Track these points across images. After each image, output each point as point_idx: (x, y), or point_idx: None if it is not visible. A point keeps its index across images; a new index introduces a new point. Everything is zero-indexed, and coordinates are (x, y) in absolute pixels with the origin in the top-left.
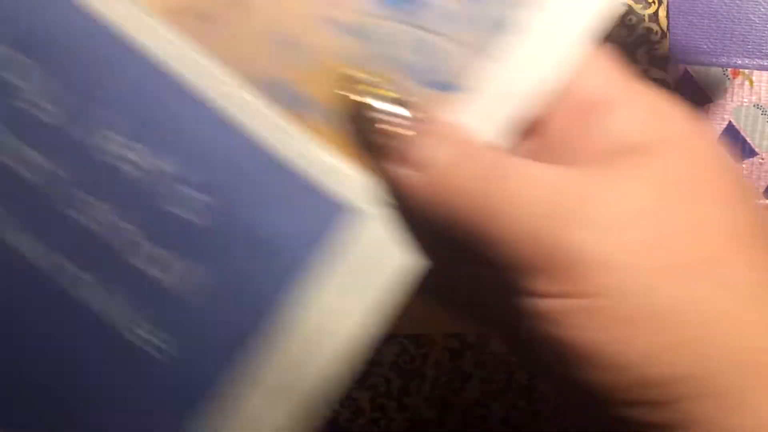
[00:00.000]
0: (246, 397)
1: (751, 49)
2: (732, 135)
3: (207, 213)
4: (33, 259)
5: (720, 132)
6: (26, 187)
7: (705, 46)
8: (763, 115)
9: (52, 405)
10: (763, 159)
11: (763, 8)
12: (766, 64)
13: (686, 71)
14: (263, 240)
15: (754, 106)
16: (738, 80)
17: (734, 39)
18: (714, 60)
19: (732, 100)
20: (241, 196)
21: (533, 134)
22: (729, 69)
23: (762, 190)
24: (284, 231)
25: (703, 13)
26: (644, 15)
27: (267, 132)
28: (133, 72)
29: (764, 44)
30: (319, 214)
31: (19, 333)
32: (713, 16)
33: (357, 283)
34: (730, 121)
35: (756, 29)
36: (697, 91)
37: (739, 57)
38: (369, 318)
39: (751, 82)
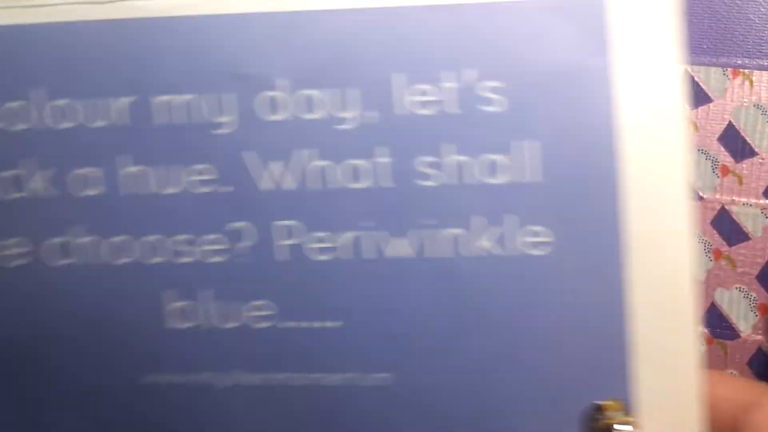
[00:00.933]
0: None
1: (751, 49)
2: (732, 135)
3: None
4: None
5: (720, 132)
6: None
7: (705, 46)
8: (763, 115)
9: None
10: (763, 159)
11: (763, 8)
12: (766, 64)
13: (686, 71)
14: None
15: (754, 106)
16: (738, 80)
17: (734, 39)
18: (714, 60)
19: (732, 100)
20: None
21: None
22: (729, 69)
23: (762, 190)
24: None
25: (703, 13)
26: None
27: None
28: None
29: (764, 44)
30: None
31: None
32: (713, 16)
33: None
34: (730, 121)
35: (756, 29)
36: (697, 91)
37: (739, 57)
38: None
39: (751, 82)
